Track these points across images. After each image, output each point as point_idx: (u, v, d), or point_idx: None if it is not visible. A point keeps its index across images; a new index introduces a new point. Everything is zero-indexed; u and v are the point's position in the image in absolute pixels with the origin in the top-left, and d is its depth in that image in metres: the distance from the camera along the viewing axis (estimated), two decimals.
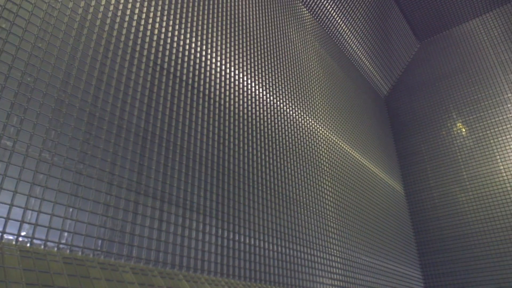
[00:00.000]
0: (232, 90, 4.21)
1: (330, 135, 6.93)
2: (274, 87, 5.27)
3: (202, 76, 3.77)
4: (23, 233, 2.05)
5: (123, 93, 2.84)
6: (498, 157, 11.41)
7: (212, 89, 3.86)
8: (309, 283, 5.01)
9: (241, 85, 4.43)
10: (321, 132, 6.52)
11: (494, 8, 11.05)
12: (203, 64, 3.83)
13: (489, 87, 11.43)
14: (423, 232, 11.97)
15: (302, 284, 4.76)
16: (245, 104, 4.39)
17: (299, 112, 5.89)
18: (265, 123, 4.75)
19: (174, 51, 3.51)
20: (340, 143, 7.42)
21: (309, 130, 6.07)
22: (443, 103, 11.92)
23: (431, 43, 11.90)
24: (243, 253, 3.55)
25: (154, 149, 2.94)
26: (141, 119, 2.92)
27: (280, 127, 5.11)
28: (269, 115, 4.90)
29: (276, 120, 5.07)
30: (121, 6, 3.12)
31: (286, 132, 5.24)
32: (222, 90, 4.03)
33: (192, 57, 3.70)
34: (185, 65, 3.58)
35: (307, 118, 6.13)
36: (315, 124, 6.38)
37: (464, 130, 11.94)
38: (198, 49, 3.85)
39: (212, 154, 3.54)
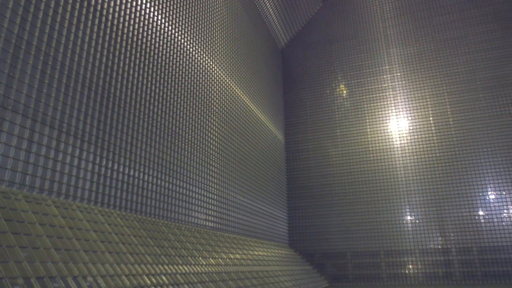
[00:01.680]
0: (128, 11, 3.87)
1: (223, 76, 6.93)
2: (173, 18, 5.00)
3: None
4: None
5: None
6: (367, 120, 12.82)
7: (106, 5, 3.50)
8: (184, 216, 5.18)
9: (138, 7, 4.09)
10: (215, 71, 6.48)
11: None
12: None
13: (373, 57, 12.48)
14: (295, 179, 13.12)
15: (177, 217, 4.90)
16: (141, 29, 4.10)
17: (196, 48, 5.74)
18: (160, 53, 4.53)
19: None
20: (232, 86, 7.50)
21: (203, 67, 5.98)
22: (332, 64, 12.70)
23: (333, 4, 12.35)
24: (120, 183, 3.48)
25: (28, 61, 2.61)
26: (15, 24, 2.53)
27: (174, 60, 4.93)
28: (165, 45, 4.68)
29: (171, 52, 4.87)
30: None
31: (180, 66, 5.09)
32: (117, 8, 3.68)
33: None
34: None
35: (204, 56, 6.01)
36: (211, 63, 6.30)
37: (345, 92, 13.02)
38: None
39: (97, 76, 3.28)
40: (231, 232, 7.37)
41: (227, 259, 6.54)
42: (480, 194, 12.04)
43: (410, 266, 11.60)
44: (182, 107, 5.05)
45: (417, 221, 12.08)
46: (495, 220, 11.41)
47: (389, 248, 12.01)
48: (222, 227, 6.93)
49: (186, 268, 4.79)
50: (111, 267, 2.65)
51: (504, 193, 11.65)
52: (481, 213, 11.76)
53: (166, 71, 4.64)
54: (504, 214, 11.31)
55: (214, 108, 6.42)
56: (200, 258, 5.18)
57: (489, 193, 12.03)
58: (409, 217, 12.23)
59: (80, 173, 2.97)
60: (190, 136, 5.28)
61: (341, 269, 12.05)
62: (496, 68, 12.91)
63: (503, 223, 11.22)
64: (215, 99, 6.47)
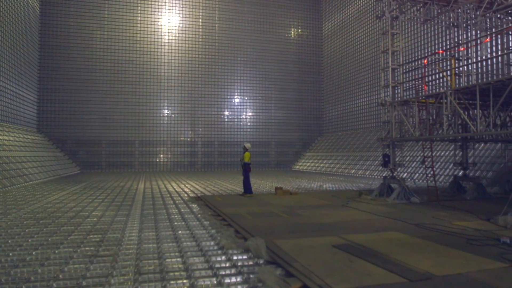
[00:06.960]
0: None
1: None
2: None
3: None
4: None
5: None
6: (139, 8, 12.28)
7: None
8: None
9: None
10: None
11: None
12: None
13: None
14: (50, 58, 11.66)
15: None
16: None
17: None
18: None
19: None
20: None
21: None
22: None
23: None
24: None
25: None
26: None
27: None
28: None
29: None
30: None
31: None
32: None
33: None
34: None
35: None
36: None
37: None
38: None
39: None
40: None
41: None
42: (228, 97, 13.86)
43: (162, 156, 12.72)
44: None
45: (173, 115, 13.07)
46: (236, 120, 13.57)
47: (144, 138, 12.70)
48: None
49: None
50: None
51: (246, 98, 13.80)
52: (226, 113, 13.69)
53: None
54: (243, 116, 13.56)
55: None
56: None
57: (235, 97, 13.97)
58: (166, 111, 13.06)
59: None
60: None
61: (95, 157, 12.06)
62: None
63: (241, 123, 13.48)
64: None
